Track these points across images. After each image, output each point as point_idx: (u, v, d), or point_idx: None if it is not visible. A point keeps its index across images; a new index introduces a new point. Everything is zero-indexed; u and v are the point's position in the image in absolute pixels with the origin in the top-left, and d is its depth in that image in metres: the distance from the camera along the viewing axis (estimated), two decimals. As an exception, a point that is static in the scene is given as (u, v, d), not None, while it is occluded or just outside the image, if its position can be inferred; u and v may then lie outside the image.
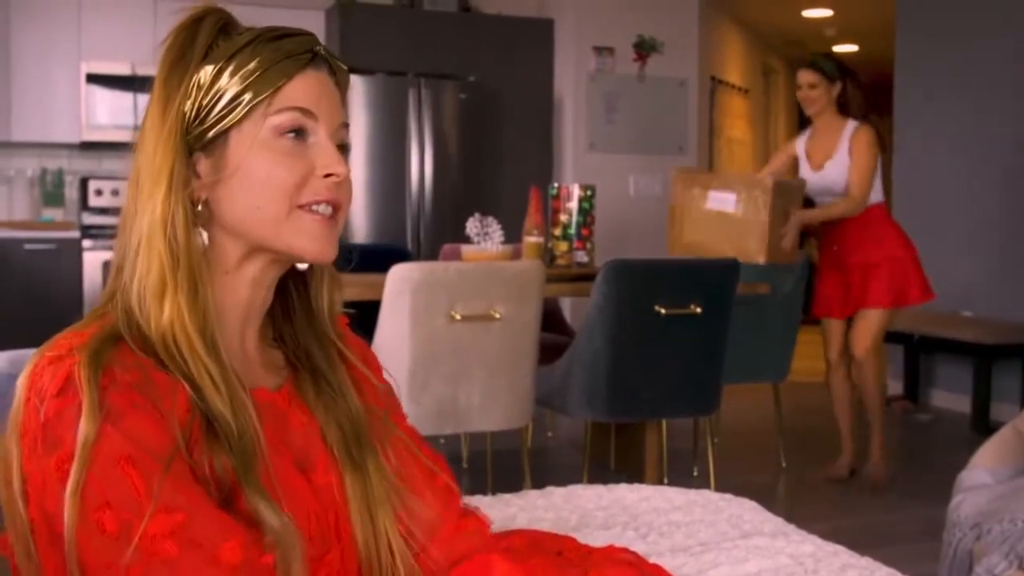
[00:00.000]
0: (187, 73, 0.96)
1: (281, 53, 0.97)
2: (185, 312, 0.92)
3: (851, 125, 3.91)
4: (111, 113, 5.63)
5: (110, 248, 5.28)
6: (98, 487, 0.82)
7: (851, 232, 3.97)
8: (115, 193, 5.85)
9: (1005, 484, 2.19)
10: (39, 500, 0.85)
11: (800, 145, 4.11)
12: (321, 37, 5.91)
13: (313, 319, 1.09)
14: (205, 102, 0.96)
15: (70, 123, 5.64)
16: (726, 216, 3.86)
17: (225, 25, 1.00)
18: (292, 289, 1.09)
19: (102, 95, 5.61)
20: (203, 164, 0.97)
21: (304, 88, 0.98)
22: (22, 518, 0.86)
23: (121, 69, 5.60)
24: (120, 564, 0.81)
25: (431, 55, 6.02)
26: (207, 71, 0.96)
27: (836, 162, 3.92)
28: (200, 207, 0.97)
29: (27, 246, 5.36)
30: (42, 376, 0.86)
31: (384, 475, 1.04)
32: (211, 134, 0.96)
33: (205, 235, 0.97)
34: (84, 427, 0.83)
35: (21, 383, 0.87)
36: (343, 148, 1.02)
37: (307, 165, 0.98)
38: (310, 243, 0.98)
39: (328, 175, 0.98)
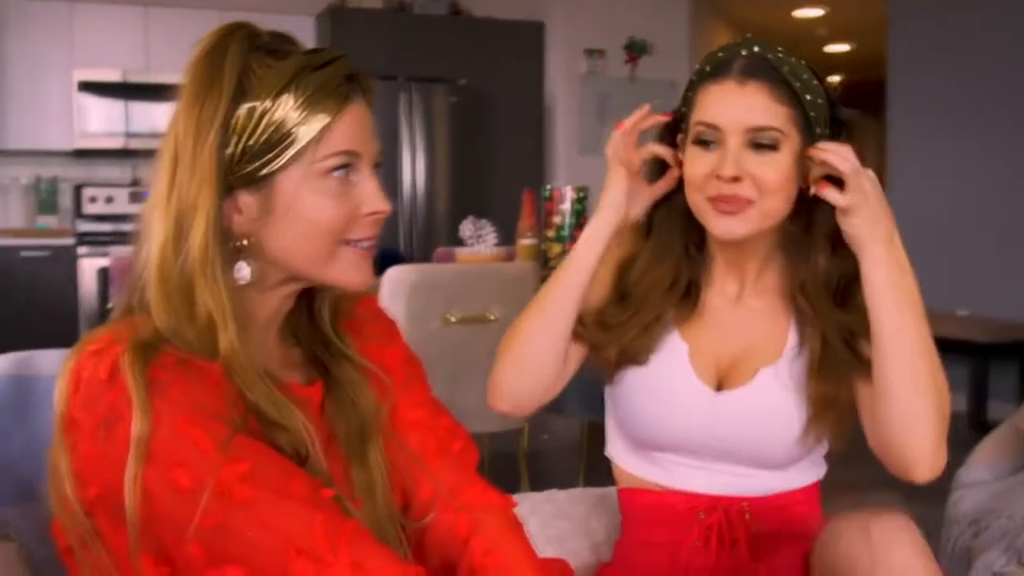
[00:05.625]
0: (220, 105, 0.92)
1: (323, 90, 0.94)
2: (233, 347, 0.93)
3: None
4: (103, 120, 5.63)
5: (105, 255, 5.20)
6: (165, 450, 0.86)
7: None
8: (109, 200, 5.84)
9: (1003, 480, 2.19)
10: (100, 478, 0.87)
11: None
12: (312, 42, 5.92)
13: (325, 317, 1.09)
14: (250, 143, 0.93)
15: (63, 131, 5.64)
16: None
17: (253, 46, 0.95)
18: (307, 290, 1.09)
19: (94, 103, 5.61)
20: (246, 201, 0.96)
21: (348, 127, 0.97)
22: (77, 506, 0.88)
23: (112, 76, 5.60)
24: (197, 515, 0.85)
25: (422, 58, 6.02)
26: (248, 109, 0.93)
27: None
28: (244, 242, 0.97)
29: (23, 253, 5.37)
30: (86, 368, 0.89)
31: (383, 464, 1.07)
32: (256, 176, 0.94)
33: (247, 270, 0.97)
34: (137, 402, 0.85)
35: (63, 379, 0.90)
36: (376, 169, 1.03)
37: (353, 204, 0.98)
38: (353, 276, 1.01)
39: (372, 212, 0.99)
